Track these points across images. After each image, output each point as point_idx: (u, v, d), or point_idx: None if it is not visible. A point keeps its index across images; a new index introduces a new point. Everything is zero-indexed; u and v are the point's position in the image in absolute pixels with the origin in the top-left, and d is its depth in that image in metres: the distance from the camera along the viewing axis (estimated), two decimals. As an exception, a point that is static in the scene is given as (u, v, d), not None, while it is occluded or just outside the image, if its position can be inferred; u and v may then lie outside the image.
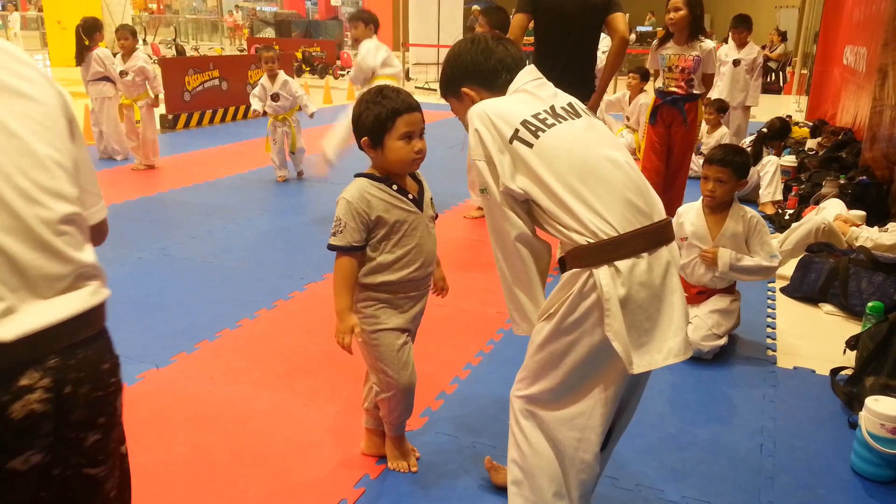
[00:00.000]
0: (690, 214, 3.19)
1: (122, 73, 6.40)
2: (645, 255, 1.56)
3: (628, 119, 7.49)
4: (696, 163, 5.22)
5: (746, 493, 2.24)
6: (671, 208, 3.47)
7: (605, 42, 4.82)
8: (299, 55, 15.51)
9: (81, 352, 1.09)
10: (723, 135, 6.27)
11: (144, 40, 19.63)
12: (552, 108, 1.67)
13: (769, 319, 3.61)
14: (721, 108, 6.44)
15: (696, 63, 4.31)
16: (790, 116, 8.63)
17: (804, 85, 12.11)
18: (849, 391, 2.77)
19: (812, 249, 4.03)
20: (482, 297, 3.71)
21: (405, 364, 2.11)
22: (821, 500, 2.22)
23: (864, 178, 5.02)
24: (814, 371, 3.05)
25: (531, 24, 4.03)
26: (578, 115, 1.69)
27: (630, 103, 7.39)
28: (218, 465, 2.30)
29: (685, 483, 2.27)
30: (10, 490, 1.05)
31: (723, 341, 3.11)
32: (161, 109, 7.67)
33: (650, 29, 20.05)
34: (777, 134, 6.37)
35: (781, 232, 4.68)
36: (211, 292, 3.73)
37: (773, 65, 14.61)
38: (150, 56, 10.88)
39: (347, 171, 2.40)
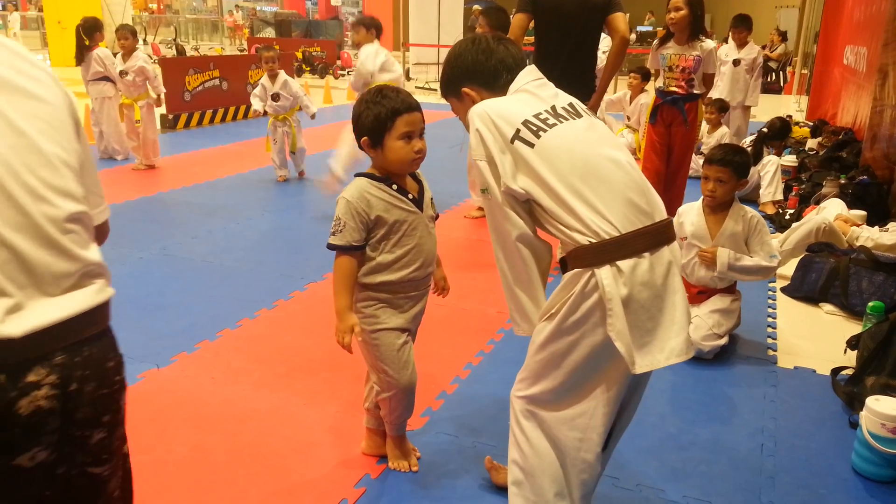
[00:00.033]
0: (691, 214, 3.19)
1: (122, 73, 6.40)
2: (647, 254, 1.55)
3: (629, 119, 7.49)
4: (697, 163, 5.21)
5: (747, 493, 2.24)
6: (671, 208, 3.47)
7: (605, 42, 4.81)
8: (299, 55, 15.51)
9: (87, 349, 1.09)
10: (723, 134, 6.27)
11: (145, 40, 19.63)
12: (553, 108, 1.67)
13: (770, 319, 3.61)
14: (723, 107, 6.44)
15: (696, 63, 4.31)
16: (790, 116, 8.62)
17: (804, 85, 12.11)
18: (849, 391, 2.77)
19: (812, 249, 4.02)
20: (483, 296, 3.71)
21: (405, 363, 2.11)
22: (821, 500, 2.22)
23: (865, 177, 5.02)
24: (814, 371, 3.05)
25: (531, 24, 4.03)
26: (579, 116, 1.69)
27: (631, 103, 7.39)
28: (218, 465, 2.30)
29: (686, 483, 2.27)
30: (17, 487, 1.06)
31: (723, 341, 3.11)
32: (161, 109, 7.67)
33: (650, 29, 20.07)
34: (777, 134, 6.37)
35: (782, 232, 4.68)
36: (211, 292, 3.73)
37: (773, 65, 14.62)
38: (150, 56, 10.89)
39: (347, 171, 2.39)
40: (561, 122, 1.64)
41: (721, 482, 2.28)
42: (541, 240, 1.68)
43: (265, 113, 6.13)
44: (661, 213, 1.63)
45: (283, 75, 6.07)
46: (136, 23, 19.07)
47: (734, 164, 3.01)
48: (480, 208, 5.09)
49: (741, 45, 6.90)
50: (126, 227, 4.69)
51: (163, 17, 26.64)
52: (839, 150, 6.29)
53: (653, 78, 4.90)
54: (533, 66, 1.79)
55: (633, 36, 17.38)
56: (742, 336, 3.34)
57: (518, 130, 1.60)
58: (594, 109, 4.00)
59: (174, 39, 20.55)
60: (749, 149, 5.38)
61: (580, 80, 3.93)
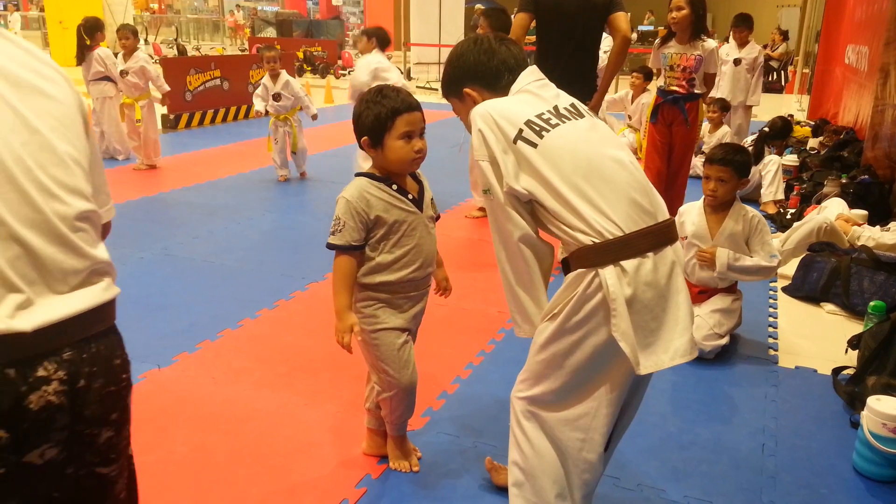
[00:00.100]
0: (692, 214, 3.19)
1: (123, 73, 6.40)
2: (650, 254, 1.55)
3: (630, 118, 7.49)
4: (698, 162, 5.21)
5: (748, 493, 2.23)
6: (672, 208, 3.48)
7: (606, 41, 4.81)
8: (301, 55, 15.51)
9: (94, 346, 1.11)
10: (724, 134, 6.26)
11: (146, 40, 19.63)
12: (555, 108, 1.67)
13: (771, 319, 3.60)
14: (725, 106, 6.44)
15: (697, 62, 4.30)
16: (792, 116, 8.62)
17: (806, 84, 12.11)
18: (851, 390, 2.77)
19: (814, 249, 4.02)
20: (483, 296, 3.71)
21: (406, 363, 2.11)
22: (822, 500, 2.22)
23: (866, 177, 5.02)
24: (815, 370, 3.05)
25: (533, 24, 4.02)
26: (581, 116, 1.69)
27: (633, 102, 7.38)
28: (219, 465, 2.30)
29: (687, 483, 2.27)
30: (27, 485, 1.07)
31: (724, 341, 3.11)
32: (163, 109, 7.67)
33: (651, 28, 20.06)
34: (779, 133, 6.36)
35: (783, 231, 4.68)
36: (212, 292, 3.73)
37: (774, 64, 14.61)
38: (151, 56, 10.89)
39: (349, 170, 2.40)
40: (564, 122, 1.63)
41: (722, 482, 2.28)
42: (543, 241, 1.67)
43: (266, 113, 6.13)
44: (663, 213, 1.63)
45: (284, 75, 6.07)
46: (137, 22, 19.06)
47: (735, 163, 3.01)
48: (481, 208, 5.09)
49: (742, 44, 6.89)
50: (127, 226, 4.69)
51: (164, 16, 26.65)
52: (840, 149, 6.29)
53: (655, 77, 4.90)
54: (535, 66, 1.79)
55: (635, 35, 17.37)
56: (743, 336, 3.34)
57: (521, 130, 1.60)
58: (595, 109, 4.00)
59: (175, 39, 20.55)
60: (750, 148, 5.37)
61: (581, 80, 3.93)
